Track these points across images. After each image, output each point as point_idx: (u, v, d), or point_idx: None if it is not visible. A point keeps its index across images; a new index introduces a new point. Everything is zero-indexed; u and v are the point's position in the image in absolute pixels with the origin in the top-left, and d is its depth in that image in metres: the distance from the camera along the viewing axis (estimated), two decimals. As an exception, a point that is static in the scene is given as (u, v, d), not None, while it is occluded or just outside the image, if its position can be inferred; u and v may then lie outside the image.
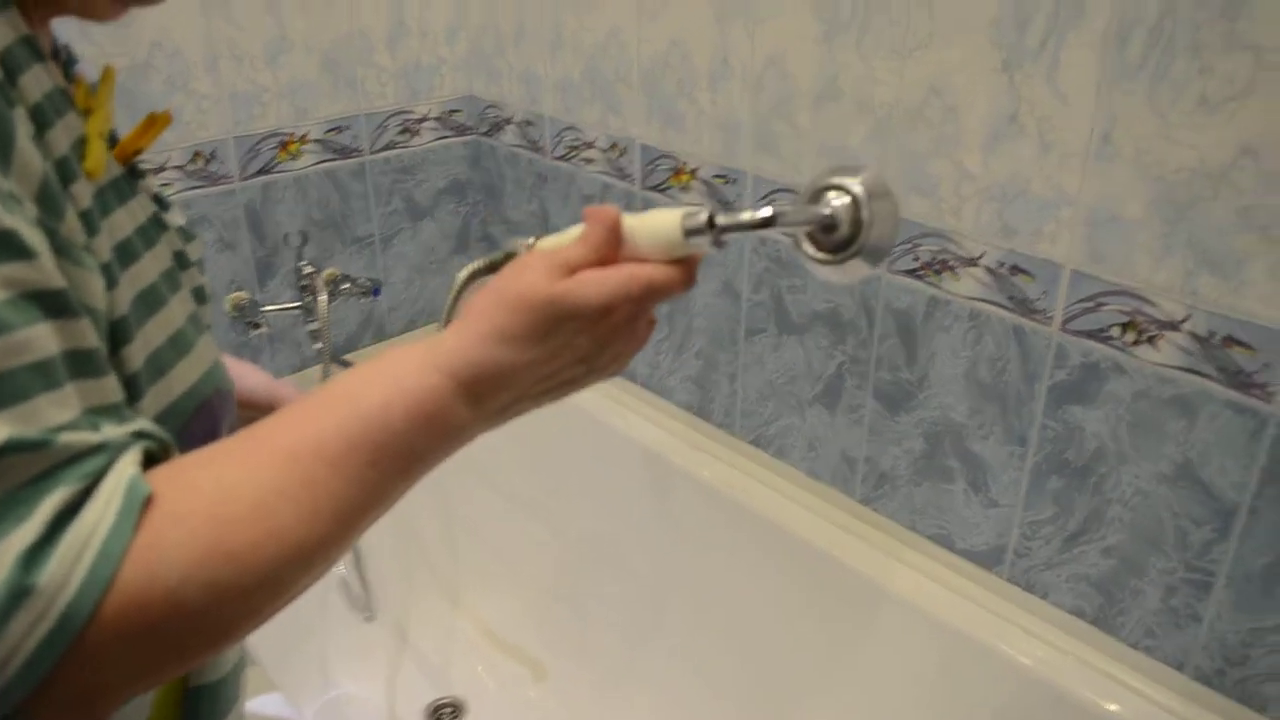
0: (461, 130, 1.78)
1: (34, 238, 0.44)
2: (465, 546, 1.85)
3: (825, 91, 1.22)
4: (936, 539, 1.30)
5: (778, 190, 1.32)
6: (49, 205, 0.47)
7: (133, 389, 0.53)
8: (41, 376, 0.43)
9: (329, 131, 1.62)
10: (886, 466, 1.32)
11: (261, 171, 1.55)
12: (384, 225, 1.74)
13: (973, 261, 1.15)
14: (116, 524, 0.44)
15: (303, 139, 1.59)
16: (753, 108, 1.31)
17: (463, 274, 0.67)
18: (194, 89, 1.45)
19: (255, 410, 0.88)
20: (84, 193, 0.51)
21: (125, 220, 0.57)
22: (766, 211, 0.59)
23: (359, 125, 1.65)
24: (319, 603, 1.56)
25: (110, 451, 0.46)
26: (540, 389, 0.58)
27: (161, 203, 0.64)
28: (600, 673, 1.70)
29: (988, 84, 1.07)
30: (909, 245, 1.20)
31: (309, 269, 1.59)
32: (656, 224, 0.57)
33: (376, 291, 1.62)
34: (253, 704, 1.12)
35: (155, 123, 0.62)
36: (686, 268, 0.58)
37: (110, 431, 0.47)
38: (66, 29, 0.58)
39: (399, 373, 0.54)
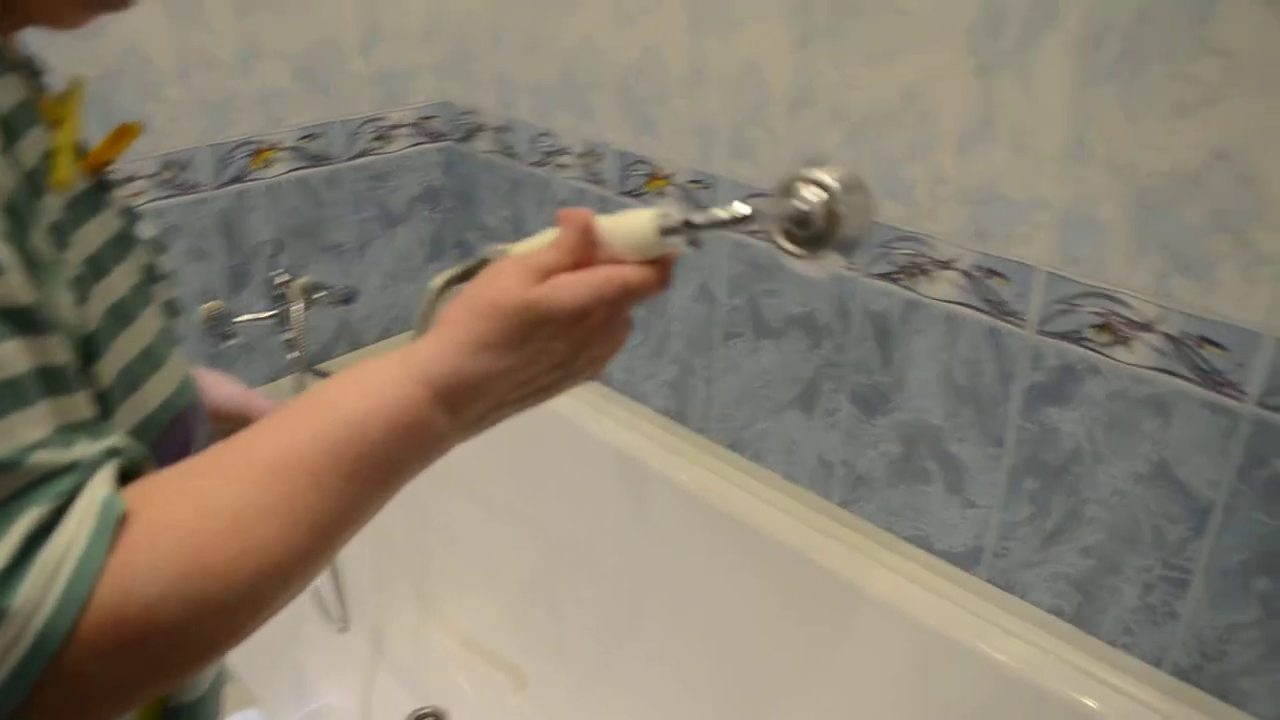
0: (436, 136, 1.77)
1: (3, 253, 0.43)
2: (441, 554, 1.84)
3: (800, 97, 1.23)
4: (914, 540, 1.30)
5: (753, 196, 1.32)
6: (18, 219, 0.46)
7: (105, 405, 0.52)
8: (12, 394, 0.43)
9: (302, 139, 1.61)
10: (864, 469, 1.33)
11: (234, 180, 1.54)
12: (358, 233, 1.73)
13: (948, 265, 1.15)
14: (90, 543, 0.43)
15: (276, 147, 1.58)
16: (728, 113, 1.31)
17: (436, 282, 0.66)
18: (165, 97, 1.44)
19: (228, 423, 0.87)
20: (53, 206, 0.51)
21: (95, 233, 0.56)
22: (741, 208, 0.59)
23: (333, 132, 1.64)
24: (297, 615, 1.54)
25: (83, 470, 0.45)
26: (518, 395, 0.58)
27: (132, 215, 0.63)
28: (580, 678, 1.70)
29: (962, 88, 1.08)
30: (884, 249, 1.20)
31: (283, 278, 1.58)
32: (630, 225, 0.57)
33: (351, 299, 1.61)
34: None
35: (125, 134, 0.61)
36: (661, 268, 0.57)
37: (83, 449, 0.46)
38: (34, 38, 0.57)
39: (376, 383, 0.54)
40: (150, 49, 1.40)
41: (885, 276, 1.21)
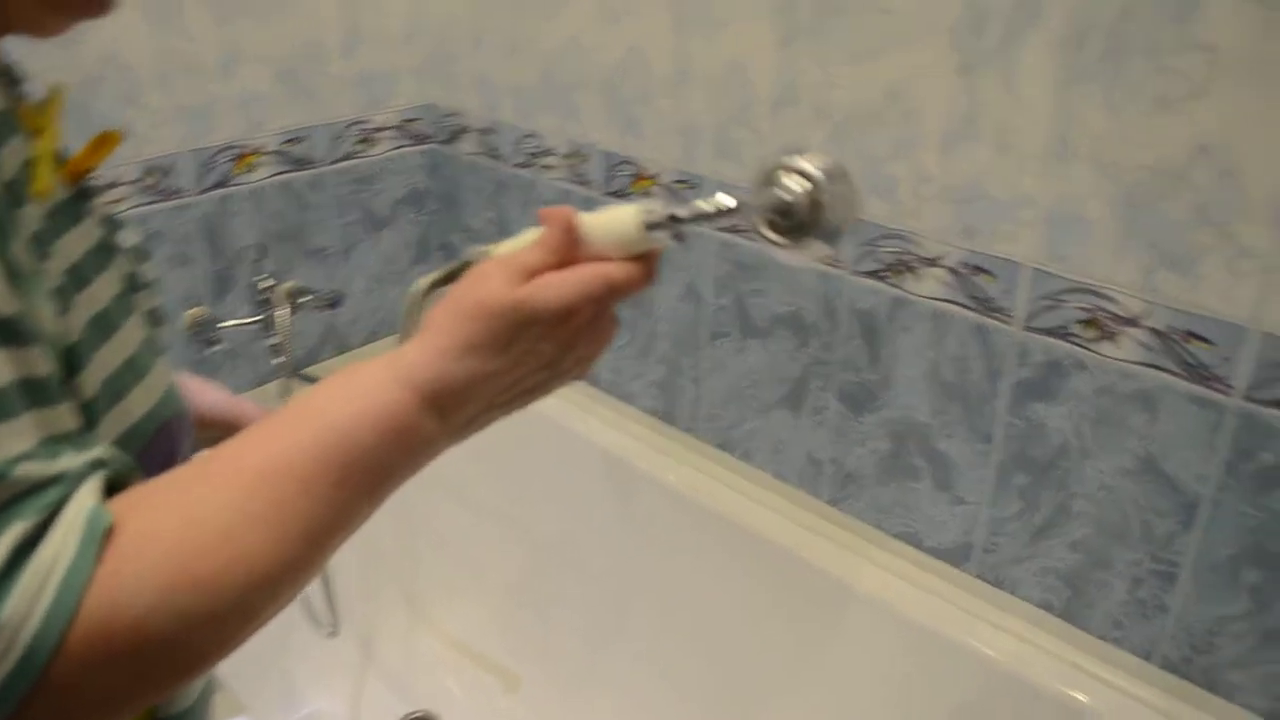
0: (420, 139, 1.77)
1: (-16, 265, 0.43)
2: (429, 557, 1.83)
3: (784, 96, 1.23)
4: (904, 537, 1.31)
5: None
6: (-1, 230, 0.46)
7: (89, 416, 0.52)
8: (-5, 406, 0.42)
9: (285, 143, 1.60)
10: (852, 467, 1.33)
11: (217, 185, 1.53)
12: (343, 236, 1.72)
13: (934, 262, 1.15)
14: (77, 555, 0.43)
15: (258, 151, 1.57)
16: (712, 113, 1.31)
17: (419, 286, 0.66)
18: (146, 103, 1.43)
19: (214, 429, 0.86)
20: (34, 216, 0.50)
21: (77, 243, 0.55)
22: (725, 200, 0.59)
23: (316, 136, 1.63)
24: (285, 621, 1.53)
25: (68, 482, 0.45)
26: (507, 397, 0.58)
27: (113, 223, 0.63)
28: (570, 680, 1.69)
29: (946, 87, 1.08)
30: (870, 247, 1.20)
31: (267, 283, 1.57)
32: (614, 221, 0.57)
33: (337, 304, 1.60)
34: (221, 727, 1.10)
35: (106, 142, 0.61)
36: (647, 263, 0.57)
37: (68, 461, 0.46)
38: (13, 46, 0.56)
39: (364, 388, 0.54)
40: (130, 55, 1.39)
41: (872, 274, 1.21)
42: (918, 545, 1.29)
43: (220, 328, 1.54)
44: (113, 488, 0.48)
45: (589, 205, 1.52)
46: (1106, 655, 1.15)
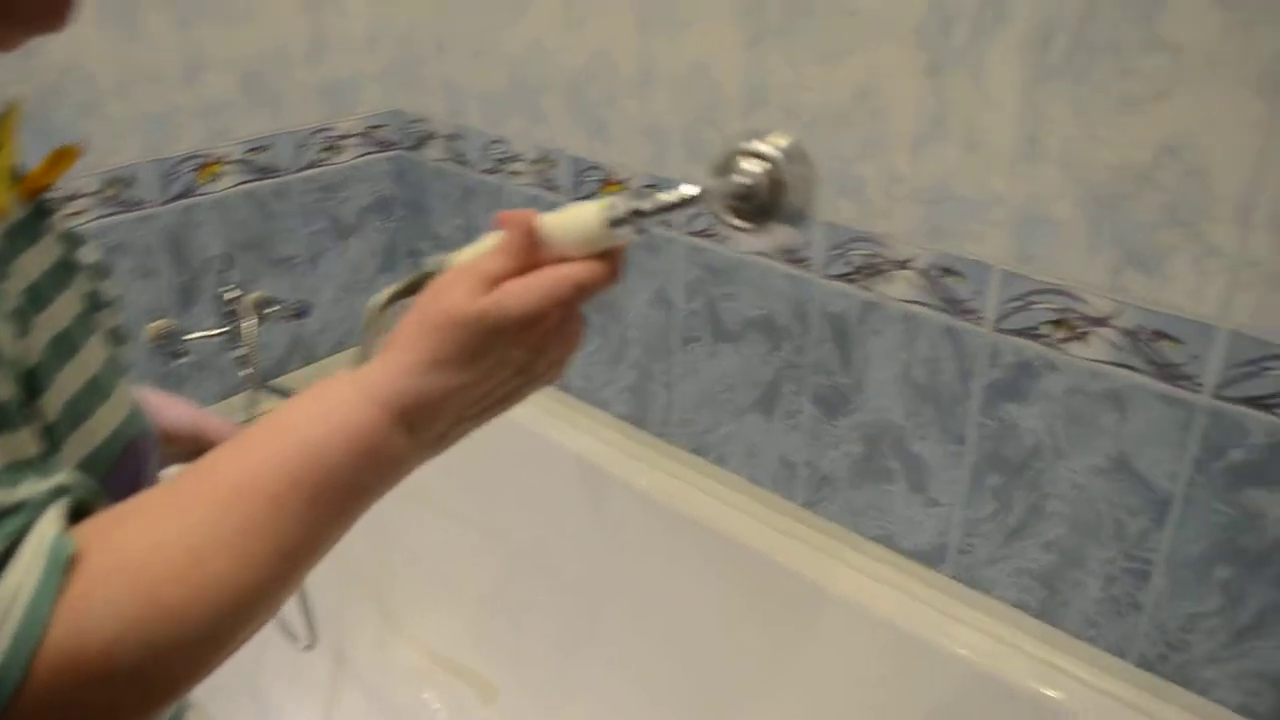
0: (385, 145, 1.75)
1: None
2: (403, 568, 1.82)
3: (752, 97, 1.22)
4: (879, 539, 1.31)
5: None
6: (-48, 252, 0.44)
7: (51, 439, 0.51)
8: (-48, 436, 0.41)
9: (249, 151, 1.58)
10: (827, 470, 1.33)
11: (181, 195, 1.51)
12: (309, 245, 1.70)
13: (904, 264, 1.15)
14: (40, 586, 0.42)
15: (222, 160, 1.55)
16: (680, 115, 1.31)
17: (377, 300, 0.65)
18: (107, 113, 1.40)
19: (180, 445, 0.85)
20: (-10, 236, 0.49)
21: (35, 262, 0.54)
22: (688, 189, 0.58)
23: (280, 144, 1.61)
24: (259, 637, 1.51)
25: (30, 510, 0.44)
26: (480, 408, 0.57)
27: (73, 240, 0.61)
28: (546, 687, 1.68)
29: (914, 87, 1.08)
30: (840, 250, 1.20)
31: (233, 293, 1.55)
32: (576, 219, 0.56)
33: (304, 313, 1.58)
34: (192, 747, 1.08)
35: (64, 157, 0.59)
36: (611, 260, 0.56)
37: (29, 489, 0.44)
38: (-35, 62, 0.55)
39: (332, 407, 0.53)
40: (90, 65, 1.37)
41: (842, 277, 1.21)
42: (893, 547, 1.29)
43: (186, 340, 1.52)
44: (77, 513, 0.47)
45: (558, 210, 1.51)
46: (1082, 654, 1.15)
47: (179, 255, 1.53)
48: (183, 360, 1.54)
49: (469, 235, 1.70)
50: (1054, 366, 1.07)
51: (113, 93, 1.40)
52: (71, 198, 1.39)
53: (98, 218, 1.43)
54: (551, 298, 0.54)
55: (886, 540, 1.30)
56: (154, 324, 1.50)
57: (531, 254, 0.55)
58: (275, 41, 1.56)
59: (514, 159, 1.56)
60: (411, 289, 0.62)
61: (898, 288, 1.17)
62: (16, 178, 0.57)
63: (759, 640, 1.43)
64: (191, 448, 0.85)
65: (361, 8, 1.64)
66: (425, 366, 0.53)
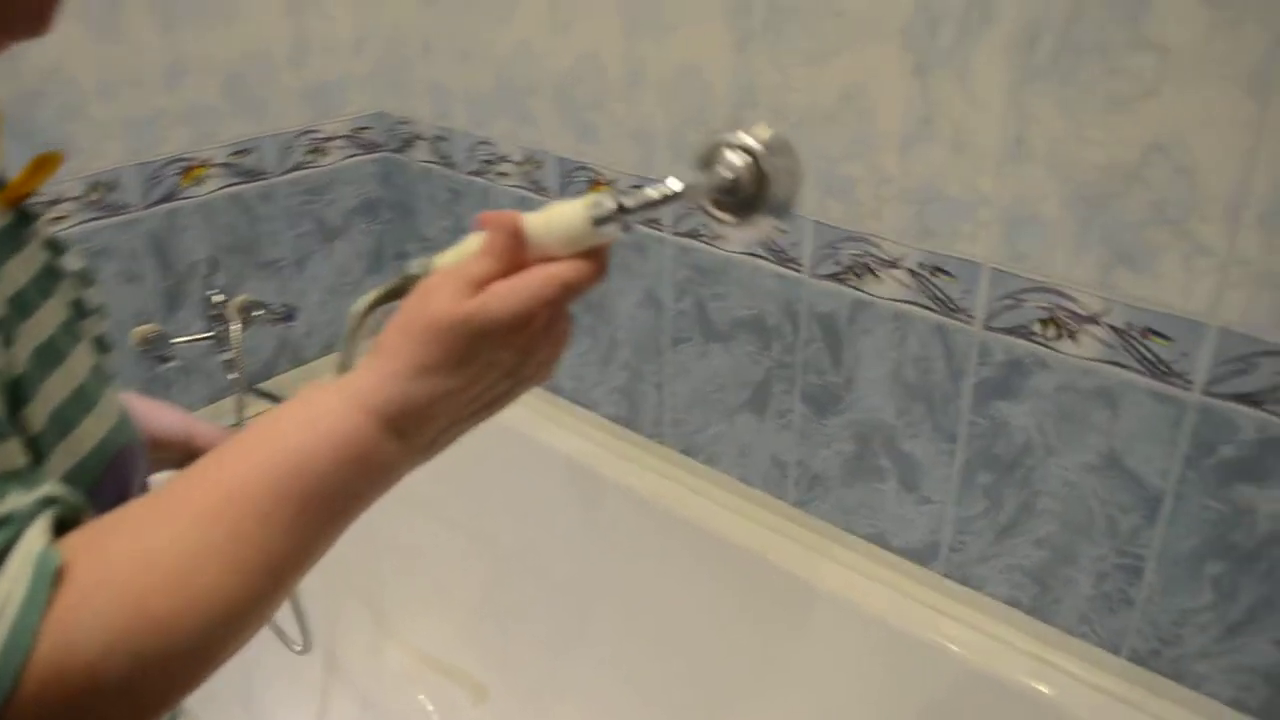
0: (371, 147, 1.74)
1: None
2: (394, 571, 1.81)
3: (741, 99, 1.22)
4: (871, 538, 1.31)
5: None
6: (-64, 263, 0.44)
7: (37, 450, 0.50)
8: (-62, 449, 0.41)
9: (234, 154, 1.57)
10: (818, 469, 1.33)
11: (165, 199, 1.50)
12: (295, 248, 1.69)
13: (894, 263, 1.15)
14: (27, 599, 0.42)
15: (206, 163, 1.54)
16: (668, 117, 1.31)
17: (359, 306, 0.64)
18: (90, 116, 1.39)
19: (169, 451, 0.84)
20: (-28, 246, 0.48)
21: (18, 271, 0.53)
22: (673, 184, 0.58)
23: (265, 147, 1.60)
24: (251, 641, 1.50)
25: (16, 522, 0.43)
26: (470, 411, 0.56)
27: (57, 247, 0.61)
28: (538, 688, 1.68)
29: (901, 88, 1.08)
30: (830, 249, 1.20)
31: (219, 297, 1.54)
32: (561, 218, 0.55)
33: (291, 317, 1.57)
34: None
35: (46, 163, 0.59)
36: (597, 258, 0.55)
37: (15, 501, 0.44)
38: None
39: (320, 415, 0.52)
40: (72, 68, 1.36)
41: (832, 277, 1.21)
42: (885, 545, 1.29)
43: (172, 344, 1.51)
44: (63, 525, 0.46)
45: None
46: (1075, 650, 1.15)
47: (164, 259, 1.52)
48: (169, 365, 1.53)
49: (456, 237, 1.68)
50: (1044, 364, 1.07)
51: (96, 96, 1.39)
52: (54, 202, 1.38)
53: (81, 222, 1.41)
54: (538, 299, 0.53)
55: (878, 539, 1.30)
56: (139, 329, 1.49)
57: (516, 255, 0.55)
58: (259, 44, 1.55)
59: (501, 160, 1.55)
60: (394, 294, 0.62)
61: (888, 287, 1.17)
62: None
63: (751, 640, 1.42)
64: (181, 454, 0.85)
65: (345, 10, 1.64)
66: (413, 372, 0.53)
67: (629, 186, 1.38)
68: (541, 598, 1.68)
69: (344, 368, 0.67)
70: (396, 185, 1.76)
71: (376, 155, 1.75)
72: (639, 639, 1.56)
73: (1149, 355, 1.00)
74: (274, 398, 1.63)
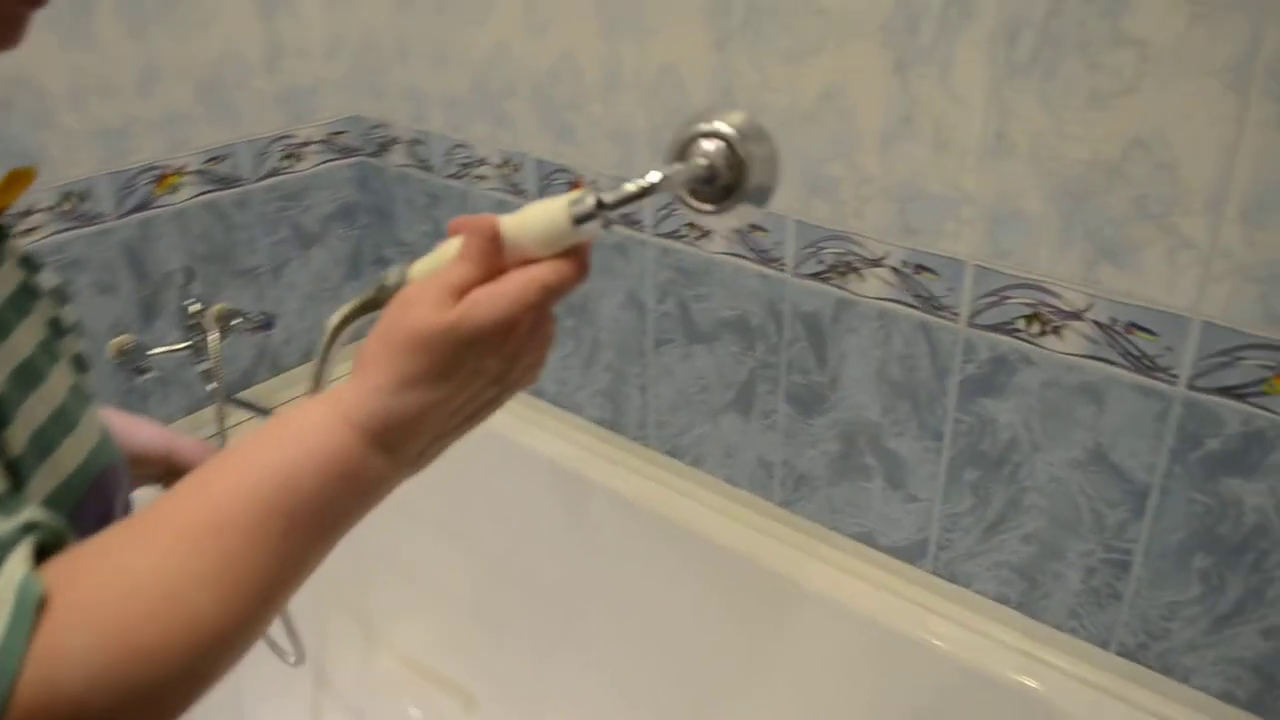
0: (347, 152, 1.73)
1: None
2: (381, 579, 1.79)
3: (720, 99, 1.22)
4: (858, 537, 1.30)
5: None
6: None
7: (16, 474, 0.49)
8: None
9: (208, 161, 1.55)
10: (804, 469, 1.32)
11: (138, 208, 1.48)
12: (272, 255, 1.67)
13: (877, 262, 1.15)
14: (9, 631, 0.40)
15: (180, 171, 1.52)
16: (648, 118, 1.30)
17: (334, 319, 0.63)
18: (60, 125, 1.37)
19: (151, 467, 0.83)
20: (-54, 266, 0.47)
21: (-4, 290, 0.52)
22: (652, 177, 0.57)
23: (239, 153, 1.59)
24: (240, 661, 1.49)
25: None
26: (458, 420, 0.56)
27: (31, 264, 0.59)
28: (527, 693, 1.67)
29: (882, 86, 1.08)
30: (813, 249, 1.20)
31: (196, 306, 1.52)
32: (540, 218, 0.54)
33: (269, 325, 1.55)
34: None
35: (18, 179, 0.57)
36: (578, 258, 0.55)
37: (-4, 527, 0.43)
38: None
39: (304, 432, 0.51)
40: (41, 77, 1.34)
41: (815, 276, 1.21)
42: (872, 544, 1.29)
43: (149, 355, 1.49)
44: (43, 551, 0.45)
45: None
46: (1064, 645, 1.16)
47: (139, 269, 1.50)
48: (146, 376, 1.51)
49: (435, 241, 1.67)
50: (1029, 361, 1.07)
51: (66, 105, 1.37)
52: (26, 214, 1.36)
53: (54, 233, 1.39)
54: (521, 303, 0.52)
55: (866, 537, 1.30)
56: (115, 340, 1.47)
57: (495, 259, 0.54)
58: (231, 49, 1.53)
59: (479, 163, 1.54)
60: (369, 306, 0.61)
61: (871, 286, 1.16)
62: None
63: (739, 641, 1.42)
64: (161, 469, 0.84)
65: (319, 13, 1.62)
66: (398, 385, 0.52)
67: (606, 187, 1.38)
68: (528, 602, 1.67)
69: (317, 383, 0.66)
70: (373, 190, 1.74)
71: (353, 160, 1.73)
72: (626, 642, 1.55)
73: (1133, 350, 1.00)
74: (254, 407, 1.62)
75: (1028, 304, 1.05)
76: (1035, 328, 1.05)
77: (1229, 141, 0.88)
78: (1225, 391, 0.96)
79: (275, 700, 1.64)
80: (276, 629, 1.43)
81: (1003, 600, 1.19)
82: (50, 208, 1.38)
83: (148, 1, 1.42)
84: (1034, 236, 1.03)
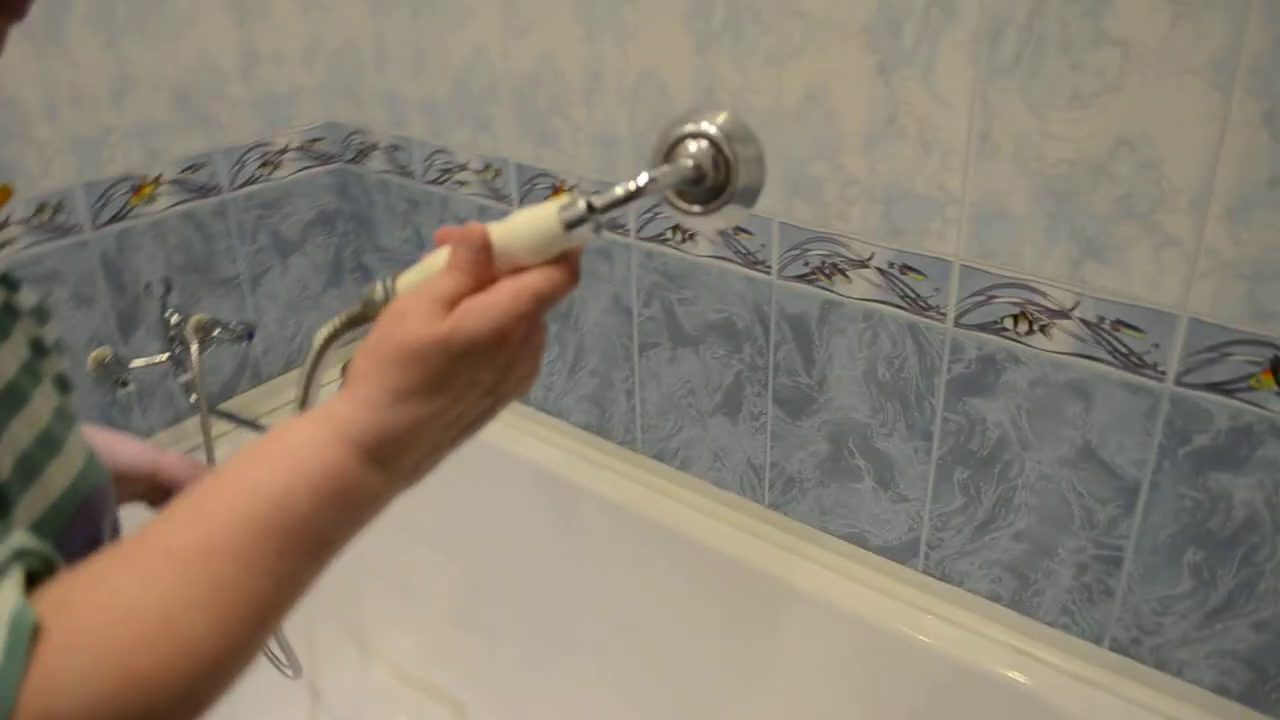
0: (325, 159, 1.71)
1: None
2: (371, 590, 1.78)
3: (703, 102, 1.21)
4: (849, 538, 1.30)
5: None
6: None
7: (3, 499, 0.48)
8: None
9: (185, 171, 1.53)
10: (793, 471, 1.32)
11: (115, 219, 1.46)
12: (251, 264, 1.66)
13: (863, 263, 1.15)
14: (4, 663, 0.39)
15: (157, 181, 1.50)
16: (630, 121, 1.29)
17: (320, 336, 0.63)
18: (34, 137, 1.35)
19: (137, 484, 0.82)
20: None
21: (-24, 312, 0.51)
22: (641, 180, 0.57)
23: (216, 162, 1.57)
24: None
25: None
26: (452, 434, 0.55)
27: (10, 283, 0.58)
28: (518, 700, 1.66)
29: (865, 87, 1.07)
30: (799, 250, 1.20)
31: (176, 317, 1.50)
32: (531, 225, 0.54)
33: (250, 335, 1.54)
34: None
35: (-3, 196, 0.56)
36: (569, 264, 0.54)
37: (-14, 556, 0.42)
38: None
39: (296, 450, 0.50)
40: (13, 88, 1.32)
41: (801, 278, 1.21)
42: (863, 545, 1.29)
43: (129, 368, 1.47)
44: (33, 578, 0.44)
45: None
46: (1057, 641, 1.16)
47: (116, 281, 1.48)
48: (126, 389, 1.49)
49: (416, 247, 1.67)
50: (1017, 360, 1.07)
51: (40, 116, 1.35)
52: (0, 226, 1.34)
53: (29, 246, 1.37)
54: (514, 313, 0.52)
55: (856, 538, 1.30)
56: (95, 353, 1.46)
57: (485, 269, 0.54)
58: (206, 57, 1.51)
59: (459, 169, 1.53)
60: (354, 322, 0.60)
61: (858, 287, 1.16)
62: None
63: (732, 644, 1.42)
64: (146, 486, 0.82)
65: (295, 19, 1.60)
66: (391, 399, 0.51)
67: (593, 191, 1.37)
68: (518, 609, 1.66)
69: (304, 401, 0.65)
70: (353, 197, 1.73)
71: (331, 167, 1.72)
72: (618, 647, 1.55)
73: (1121, 348, 1.00)
74: (236, 418, 1.60)
75: (1014, 303, 1.05)
76: (1022, 327, 1.06)
77: (1213, 139, 0.89)
78: (1213, 387, 0.96)
79: (272, 714, 1.62)
80: (273, 644, 1.42)
81: (994, 598, 1.19)
82: (25, 220, 1.36)
83: (121, 11, 1.40)
84: (1020, 236, 1.03)
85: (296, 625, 1.61)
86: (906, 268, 1.12)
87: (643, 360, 1.42)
